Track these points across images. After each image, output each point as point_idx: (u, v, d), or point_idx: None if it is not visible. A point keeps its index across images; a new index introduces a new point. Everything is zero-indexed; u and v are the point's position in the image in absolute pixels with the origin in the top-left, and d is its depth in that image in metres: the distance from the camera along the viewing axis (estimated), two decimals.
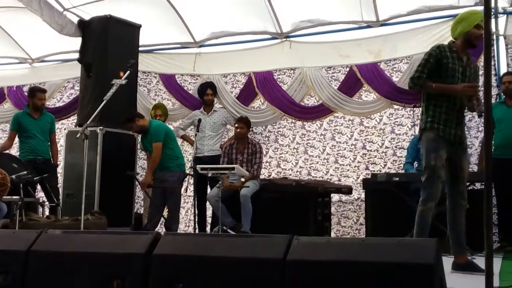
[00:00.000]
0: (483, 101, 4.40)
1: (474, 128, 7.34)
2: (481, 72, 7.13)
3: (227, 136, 8.52)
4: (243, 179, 7.13)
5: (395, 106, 7.85)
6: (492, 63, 7.05)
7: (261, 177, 7.69)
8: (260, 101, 8.66)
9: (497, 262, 3.14)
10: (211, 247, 3.36)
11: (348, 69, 8.11)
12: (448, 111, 4.79)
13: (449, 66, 4.77)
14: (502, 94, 6.81)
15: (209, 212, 7.97)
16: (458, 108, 4.80)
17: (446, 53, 4.86)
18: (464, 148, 4.90)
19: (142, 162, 8.62)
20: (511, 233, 6.42)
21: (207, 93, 8.29)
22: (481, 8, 6.36)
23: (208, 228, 7.94)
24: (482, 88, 4.21)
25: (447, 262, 3.32)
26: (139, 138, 7.75)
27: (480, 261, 4.14)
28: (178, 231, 7.63)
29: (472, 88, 4.68)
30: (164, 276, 3.27)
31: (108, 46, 7.69)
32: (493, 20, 7.10)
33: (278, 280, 3.04)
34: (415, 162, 6.97)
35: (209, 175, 6.89)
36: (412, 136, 7.32)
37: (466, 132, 7.23)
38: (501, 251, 6.06)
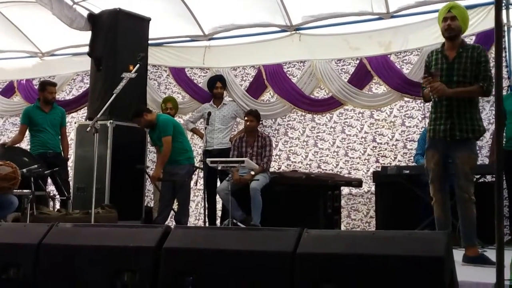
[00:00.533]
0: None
1: (485, 120, 7.27)
2: (492, 63, 7.10)
3: (237, 129, 8.52)
4: (253, 172, 7.13)
5: (406, 99, 7.82)
6: (504, 54, 7.00)
7: (271, 170, 7.68)
8: (270, 94, 8.65)
9: (508, 255, 3.13)
10: (221, 240, 3.37)
11: (358, 61, 8.08)
12: (436, 110, 4.85)
13: (432, 69, 4.83)
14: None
15: (219, 205, 7.97)
16: (447, 103, 4.78)
17: (433, 57, 4.97)
18: (458, 141, 4.76)
19: (152, 156, 8.63)
20: None
21: (216, 86, 8.29)
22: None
23: (218, 222, 7.94)
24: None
25: (458, 255, 3.31)
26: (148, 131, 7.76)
27: (491, 254, 4.12)
28: (188, 224, 7.64)
29: (425, 81, 4.76)
30: (174, 269, 3.28)
31: (118, 39, 7.69)
32: (504, 12, 7.04)
33: (288, 272, 3.05)
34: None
35: (219, 168, 6.89)
36: (423, 128, 7.28)
37: None
38: None
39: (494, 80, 3.89)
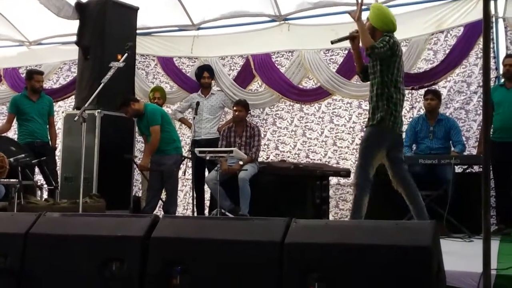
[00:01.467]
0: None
1: (472, 111, 7.33)
2: (480, 54, 7.15)
3: (225, 119, 8.51)
4: (241, 162, 7.13)
5: None
6: (491, 45, 7.02)
7: (259, 160, 7.69)
8: (258, 83, 8.64)
9: (494, 245, 3.16)
10: (209, 230, 3.37)
11: (346, 51, 8.08)
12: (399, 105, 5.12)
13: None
14: (501, 76, 6.79)
15: (207, 195, 7.98)
16: (371, 95, 5.08)
17: None
18: (367, 127, 5.07)
19: (140, 145, 8.60)
20: (508, 216, 6.45)
21: (204, 76, 8.27)
22: None
23: (206, 211, 7.95)
24: None
25: (445, 244, 3.33)
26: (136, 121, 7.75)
27: (478, 243, 4.15)
28: (177, 214, 7.64)
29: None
30: (163, 259, 3.28)
31: (106, 28, 7.65)
32: (492, 3, 7.07)
33: (277, 262, 3.06)
34: (413, 145, 6.97)
35: (207, 158, 6.89)
36: (411, 119, 7.31)
37: (465, 115, 7.30)
38: (499, 233, 6.07)
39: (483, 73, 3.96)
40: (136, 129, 7.77)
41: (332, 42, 5.38)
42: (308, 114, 8.33)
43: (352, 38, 5.17)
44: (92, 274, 3.36)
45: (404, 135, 7.27)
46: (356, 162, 5.05)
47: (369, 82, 7.85)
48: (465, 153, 6.71)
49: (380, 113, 4.93)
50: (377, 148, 4.97)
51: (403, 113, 7.64)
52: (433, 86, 7.33)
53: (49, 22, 8.84)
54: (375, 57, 4.89)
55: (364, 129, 5.10)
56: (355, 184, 4.95)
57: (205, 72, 8.30)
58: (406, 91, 7.60)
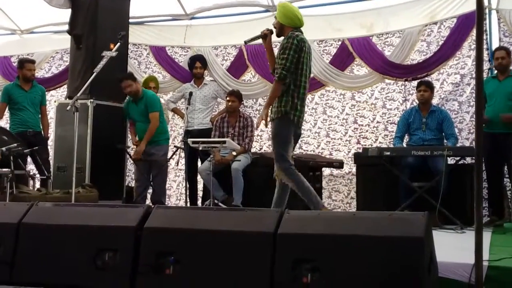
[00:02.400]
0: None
1: (465, 102, 7.35)
2: (473, 46, 7.16)
3: (217, 109, 8.49)
4: (234, 153, 7.13)
5: (387, 81, 7.84)
6: (484, 37, 7.03)
7: (253, 150, 7.68)
8: (251, 74, 8.63)
9: (486, 236, 3.17)
10: (202, 220, 3.37)
11: (340, 42, 8.08)
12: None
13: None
14: (493, 69, 6.80)
15: (200, 185, 7.97)
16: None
17: None
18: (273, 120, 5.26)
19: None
20: (500, 208, 6.47)
21: (196, 66, 8.22)
22: None
23: (199, 202, 7.94)
24: None
25: (437, 235, 3.34)
26: None
27: (470, 235, 4.17)
28: (170, 205, 7.64)
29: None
30: (156, 249, 3.28)
31: (98, 17, 7.59)
32: None
33: (270, 253, 3.06)
34: (406, 137, 6.98)
35: (200, 148, 6.87)
36: (403, 111, 7.32)
37: (457, 107, 7.32)
38: (491, 225, 6.10)
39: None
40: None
41: (246, 42, 5.77)
42: None
43: (264, 36, 5.47)
44: (85, 264, 3.36)
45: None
46: (276, 153, 5.25)
47: (361, 74, 7.95)
48: (457, 145, 6.73)
49: (284, 108, 5.20)
50: (289, 138, 5.28)
51: (396, 106, 7.77)
52: (426, 78, 7.34)
53: (41, 10, 8.78)
54: (290, 75, 5.20)
55: (271, 122, 5.33)
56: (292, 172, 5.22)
57: (197, 62, 8.24)
58: (400, 83, 7.71)
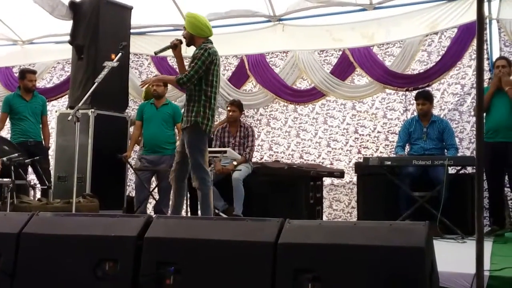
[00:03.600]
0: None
1: (466, 112, 7.36)
2: (473, 56, 7.17)
3: (219, 119, 8.50)
4: (235, 163, 7.12)
5: (387, 91, 7.85)
6: (485, 47, 7.04)
7: (253, 160, 7.68)
8: (252, 83, 8.65)
9: (487, 246, 3.17)
10: (203, 230, 3.36)
11: (340, 52, 8.11)
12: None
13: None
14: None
15: None
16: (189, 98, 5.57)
17: None
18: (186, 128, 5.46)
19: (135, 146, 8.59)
20: (501, 217, 6.46)
21: None
22: None
23: (199, 212, 7.92)
24: None
25: (438, 245, 3.33)
26: (129, 121, 7.73)
27: (471, 244, 4.16)
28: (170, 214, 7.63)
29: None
30: (156, 259, 3.27)
31: (100, 28, 7.62)
32: (486, 4, 7.09)
33: (270, 263, 3.05)
34: (407, 146, 6.98)
35: None
36: (404, 121, 7.32)
37: (458, 117, 7.32)
38: (492, 234, 6.09)
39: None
40: (130, 128, 7.74)
41: (156, 53, 5.89)
42: (302, 115, 8.35)
43: (174, 46, 5.66)
44: (85, 274, 3.35)
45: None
46: (194, 162, 5.43)
47: (362, 84, 7.97)
48: (458, 154, 6.72)
49: (195, 118, 5.42)
50: (205, 146, 5.56)
51: (397, 116, 7.78)
52: (426, 88, 7.35)
53: (43, 21, 8.82)
54: (192, 84, 5.44)
55: (183, 130, 5.53)
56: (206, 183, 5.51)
57: None
58: (400, 93, 7.72)
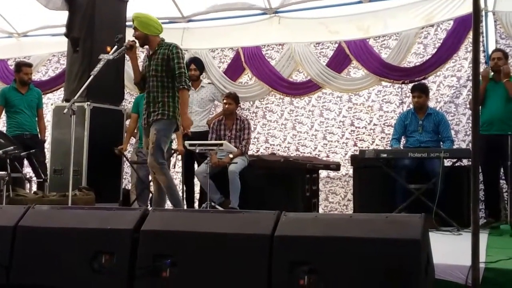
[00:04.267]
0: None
1: (462, 104, 7.36)
2: (469, 48, 7.16)
3: (214, 112, 8.50)
4: (231, 155, 7.12)
5: (383, 83, 7.85)
6: (481, 39, 7.05)
7: (249, 153, 7.68)
8: (248, 76, 8.63)
9: (483, 238, 3.18)
10: (199, 223, 3.37)
11: (336, 45, 8.09)
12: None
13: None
14: (490, 70, 6.81)
15: (197, 188, 7.96)
16: (148, 91, 5.60)
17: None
18: (151, 124, 5.50)
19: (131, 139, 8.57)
20: (497, 209, 6.48)
21: (190, 68, 8.14)
22: None
23: (196, 204, 7.94)
24: None
25: (434, 237, 3.34)
26: (125, 113, 7.72)
27: (466, 237, 4.17)
28: (166, 207, 7.62)
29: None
30: (152, 251, 3.27)
31: (95, 20, 7.58)
32: None
33: (266, 255, 3.06)
34: (403, 139, 6.99)
35: (197, 151, 6.87)
36: (400, 113, 7.33)
37: (454, 109, 7.32)
38: (487, 226, 6.11)
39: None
40: (127, 122, 7.73)
41: (112, 56, 5.87)
42: (298, 107, 8.34)
43: (130, 47, 5.70)
44: (82, 267, 3.35)
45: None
46: (157, 148, 5.43)
47: (358, 76, 7.96)
48: (454, 147, 6.73)
49: (173, 113, 5.51)
50: (170, 139, 5.74)
51: (393, 108, 7.78)
52: (422, 81, 7.35)
53: (38, 13, 8.79)
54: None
55: (153, 123, 5.53)
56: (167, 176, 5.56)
57: (192, 64, 8.15)
58: (396, 86, 7.72)
